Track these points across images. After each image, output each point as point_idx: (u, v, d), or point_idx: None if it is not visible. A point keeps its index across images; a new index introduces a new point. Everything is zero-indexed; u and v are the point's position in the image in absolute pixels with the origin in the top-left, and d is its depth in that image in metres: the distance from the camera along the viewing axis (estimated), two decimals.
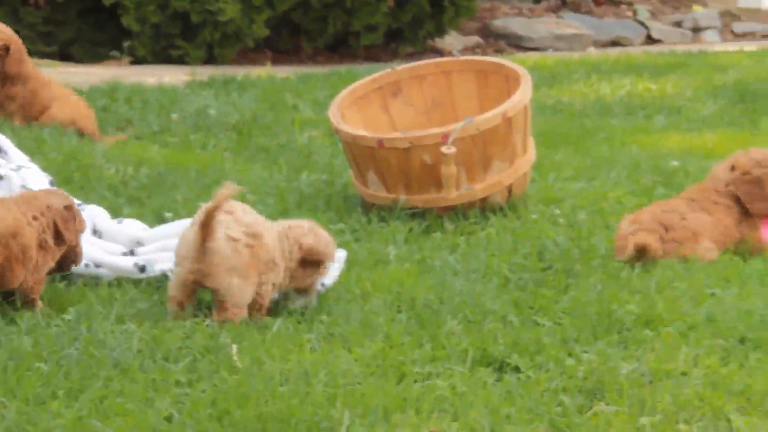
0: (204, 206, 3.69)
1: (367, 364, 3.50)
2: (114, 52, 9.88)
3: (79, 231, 3.98)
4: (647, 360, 3.49)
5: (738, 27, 13.95)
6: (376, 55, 10.62)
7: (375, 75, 5.62)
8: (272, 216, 4.76)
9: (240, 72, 8.63)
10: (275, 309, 3.92)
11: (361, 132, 5.15)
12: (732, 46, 11.95)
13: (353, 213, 5.09)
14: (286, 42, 10.38)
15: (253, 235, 3.75)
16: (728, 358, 3.53)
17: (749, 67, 9.57)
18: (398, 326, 3.78)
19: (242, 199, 5.13)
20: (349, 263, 4.44)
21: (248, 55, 10.10)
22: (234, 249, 3.70)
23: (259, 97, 7.65)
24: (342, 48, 10.49)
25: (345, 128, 5.11)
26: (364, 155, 5.06)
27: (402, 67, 5.65)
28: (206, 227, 3.66)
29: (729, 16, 14.24)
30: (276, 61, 10.14)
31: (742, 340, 3.66)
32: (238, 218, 3.76)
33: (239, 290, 3.72)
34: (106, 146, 6.07)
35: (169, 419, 3.09)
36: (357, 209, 5.15)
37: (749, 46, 11.88)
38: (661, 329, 3.77)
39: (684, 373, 3.42)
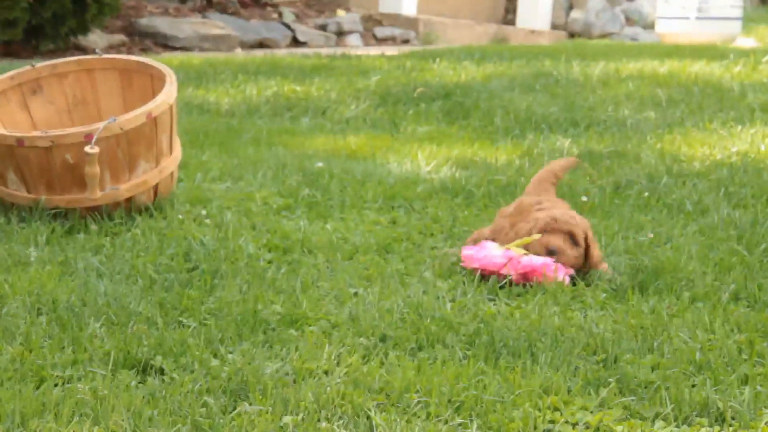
0: None
1: (4, 368, 3.38)
2: None
3: None
4: (292, 359, 3.53)
5: (379, 31, 14.36)
6: (15, 51, 10.29)
7: (13, 72, 5.44)
8: None
9: None
10: None
11: None
12: (374, 50, 12.28)
13: None
14: None
15: None
16: (369, 357, 3.61)
17: (390, 70, 9.85)
18: (38, 329, 3.68)
19: None
20: None
21: None
22: None
23: None
24: None
25: None
26: (2, 154, 4.89)
27: (42, 65, 5.49)
28: None
29: (371, 20, 14.63)
30: None
31: (382, 338, 3.76)
32: None
33: None
34: None
35: None
36: None
37: (390, 50, 12.24)
38: (306, 328, 3.82)
39: (327, 372, 3.47)
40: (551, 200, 4.84)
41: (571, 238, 4.50)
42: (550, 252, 4.45)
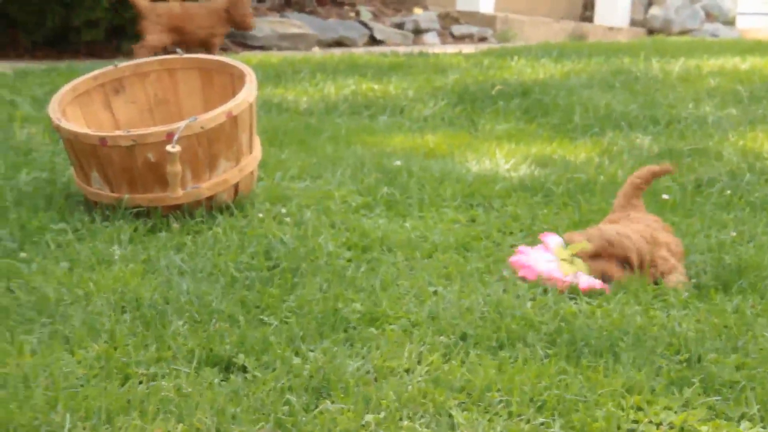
0: None
1: (90, 366, 3.42)
2: None
3: None
4: (372, 357, 3.53)
5: (456, 29, 14.34)
6: (98, 51, 10.41)
7: (96, 72, 5.50)
8: None
9: None
10: None
11: (83, 129, 5.03)
12: (451, 48, 12.27)
13: (75, 212, 4.96)
14: (2, 36, 10.05)
15: None
16: (450, 355, 3.61)
17: (467, 68, 9.82)
18: (123, 327, 3.71)
19: None
20: (72, 263, 4.34)
21: None
22: None
23: None
24: (62, 43, 10.23)
25: (66, 125, 4.98)
26: (86, 153, 4.95)
27: (124, 64, 5.54)
28: None
29: (448, 18, 14.62)
30: None
31: (463, 337, 3.75)
32: None
33: None
34: None
35: None
36: (80, 208, 5.03)
37: (467, 48, 12.22)
38: (386, 327, 3.82)
39: (408, 370, 3.47)
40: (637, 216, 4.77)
41: (625, 262, 4.45)
42: (605, 278, 4.41)
